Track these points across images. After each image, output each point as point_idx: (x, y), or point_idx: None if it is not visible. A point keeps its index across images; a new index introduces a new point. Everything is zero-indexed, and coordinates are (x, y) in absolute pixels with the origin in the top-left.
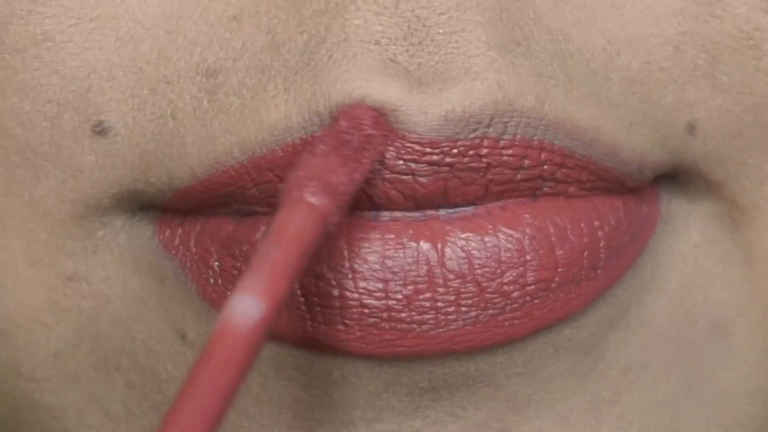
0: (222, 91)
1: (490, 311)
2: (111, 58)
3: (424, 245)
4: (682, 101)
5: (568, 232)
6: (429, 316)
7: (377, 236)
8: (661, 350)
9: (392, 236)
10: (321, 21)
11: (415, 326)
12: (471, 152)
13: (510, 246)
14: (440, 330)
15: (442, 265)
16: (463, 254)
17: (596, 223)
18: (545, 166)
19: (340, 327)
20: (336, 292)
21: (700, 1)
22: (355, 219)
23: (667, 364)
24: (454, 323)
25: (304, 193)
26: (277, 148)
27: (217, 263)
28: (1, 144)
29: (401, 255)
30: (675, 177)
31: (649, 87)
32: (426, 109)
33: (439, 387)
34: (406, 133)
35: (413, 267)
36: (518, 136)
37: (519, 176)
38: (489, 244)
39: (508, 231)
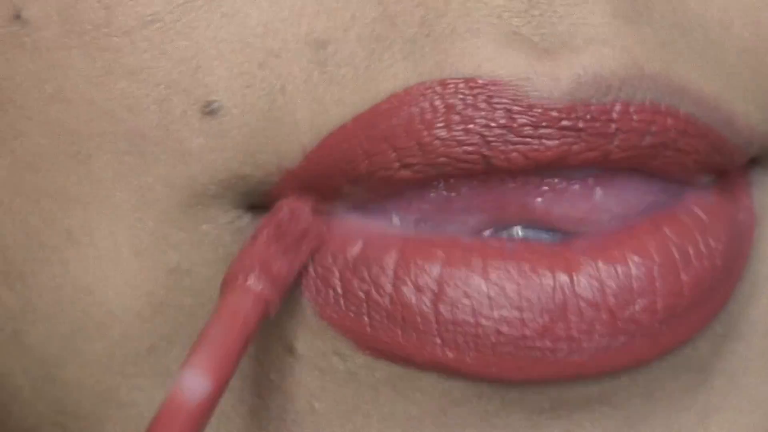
0: (333, 62)
1: (622, 338)
2: (218, 35)
3: (561, 276)
4: None
5: (691, 256)
6: (563, 345)
7: (513, 266)
8: (762, 352)
9: (528, 266)
10: None
11: (549, 354)
12: (603, 117)
13: (640, 274)
14: (573, 357)
15: (577, 295)
16: (597, 284)
17: (713, 244)
18: (671, 133)
19: (473, 353)
20: (471, 319)
21: None
22: (490, 246)
23: (766, 362)
24: (587, 351)
25: (248, 280)
26: (393, 116)
27: (340, 285)
28: (109, 130)
29: (537, 284)
30: (764, 162)
31: (759, 58)
32: (557, 75)
33: (558, 407)
34: (539, 100)
35: (549, 297)
36: (647, 102)
37: (644, 142)
38: (621, 273)
39: (638, 259)
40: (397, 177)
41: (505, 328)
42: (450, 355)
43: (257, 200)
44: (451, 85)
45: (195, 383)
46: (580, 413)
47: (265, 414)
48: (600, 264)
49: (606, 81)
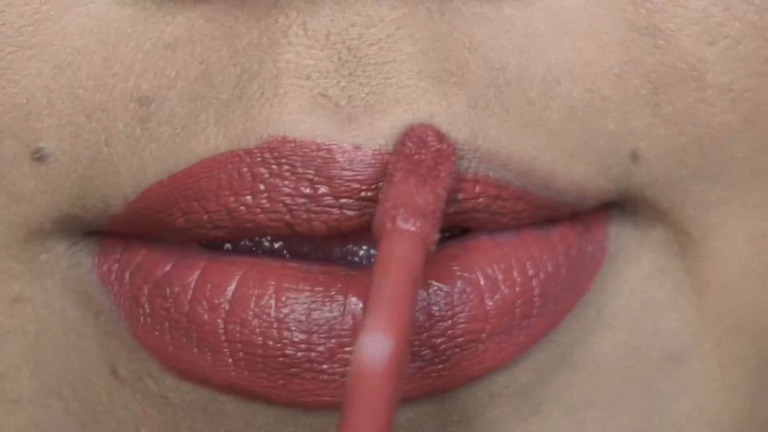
0: (155, 120)
1: (417, 363)
2: (49, 85)
3: (352, 299)
4: (625, 130)
5: (500, 282)
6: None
7: (307, 288)
8: (609, 387)
9: (321, 289)
10: (254, 54)
11: (338, 377)
12: None
13: (439, 299)
14: None
15: None
16: None
17: (531, 272)
18: (480, 199)
19: (263, 374)
20: (260, 340)
21: (644, 31)
22: (287, 267)
23: (615, 399)
24: None
25: (397, 222)
26: (204, 179)
27: (147, 303)
28: None
29: (327, 308)
30: (623, 205)
31: (590, 115)
32: (359, 143)
33: None
34: (340, 171)
35: (338, 320)
36: (453, 171)
37: (451, 209)
38: (418, 298)
39: (438, 284)
40: (211, 235)
41: (291, 351)
42: (243, 376)
43: (92, 230)
44: (257, 154)
45: (378, 346)
46: None
47: None
48: None
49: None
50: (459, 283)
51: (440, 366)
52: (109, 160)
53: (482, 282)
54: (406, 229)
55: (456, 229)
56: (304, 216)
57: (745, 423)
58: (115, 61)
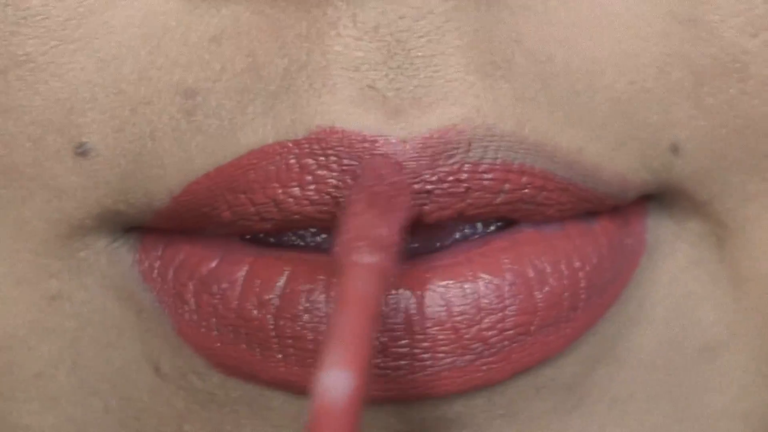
0: (201, 112)
1: (468, 357)
2: (93, 80)
3: (405, 293)
4: (667, 122)
5: (548, 275)
6: (404, 362)
7: None
8: (648, 379)
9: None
10: (302, 46)
11: (390, 372)
12: (450, 178)
13: (489, 292)
14: (416, 375)
15: (421, 313)
16: (442, 302)
17: (577, 264)
18: (526, 190)
19: (313, 370)
20: (310, 336)
21: (686, 23)
22: (322, 265)
23: (654, 391)
24: (430, 368)
25: (356, 256)
26: (251, 171)
27: (193, 299)
28: None
29: (383, 306)
30: (661, 197)
31: (633, 107)
32: (405, 136)
33: (415, 430)
34: (387, 162)
35: (391, 314)
36: (499, 160)
37: (498, 200)
38: (468, 291)
39: (488, 277)
40: (257, 228)
41: None
42: (293, 372)
43: (133, 226)
44: (305, 145)
45: (339, 381)
46: None
47: None
48: (448, 282)
49: (453, 143)
50: (508, 276)
51: (490, 359)
52: (154, 154)
53: (531, 274)
54: (367, 263)
55: (500, 221)
56: None
57: None
58: (159, 55)
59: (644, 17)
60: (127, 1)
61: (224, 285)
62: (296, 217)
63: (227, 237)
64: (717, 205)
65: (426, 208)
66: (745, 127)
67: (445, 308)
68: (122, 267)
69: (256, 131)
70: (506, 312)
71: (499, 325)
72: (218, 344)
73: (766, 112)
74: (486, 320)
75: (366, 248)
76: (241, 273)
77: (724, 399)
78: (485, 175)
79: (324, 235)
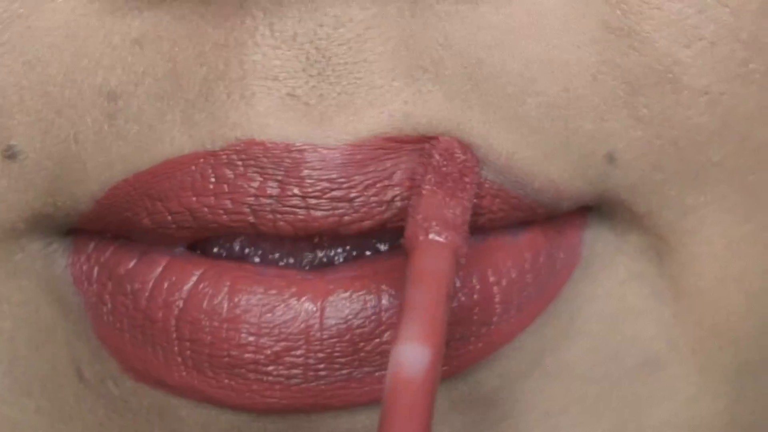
0: (122, 116)
1: (366, 369)
2: (19, 82)
3: (306, 304)
4: (602, 131)
5: (457, 289)
6: (298, 371)
7: (260, 290)
8: (585, 393)
9: (274, 291)
10: (220, 55)
11: (283, 380)
12: (380, 185)
13: (390, 305)
14: (310, 384)
15: (320, 323)
16: (341, 314)
17: (492, 279)
18: None
19: (210, 374)
20: (208, 339)
21: (619, 32)
22: (244, 268)
23: (592, 405)
24: (325, 379)
25: (429, 235)
26: (167, 179)
27: (110, 300)
28: None
29: (280, 310)
30: (600, 209)
31: (567, 114)
32: (330, 143)
33: None
34: (311, 171)
35: (290, 324)
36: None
37: None
38: (369, 305)
39: (392, 291)
40: (177, 236)
41: (236, 352)
42: (193, 377)
43: (67, 230)
44: (222, 156)
45: (415, 355)
46: None
47: None
48: (350, 294)
49: (382, 149)
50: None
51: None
52: (78, 157)
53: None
54: (439, 241)
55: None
56: (269, 217)
57: (725, 429)
58: (83, 56)
59: (578, 25)
60: (51, 4)
61: (137, 285)
62: (213, 225)
63: (153, 243)
64: (656, 218)
65: (346, 218)
66: (681, 139)
67: (344, 320)
68: (56, 270)
69: (174, 140)
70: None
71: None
72: (129, 346)
73: (701, 124)
74: (387, 334)
75: (438, 227)
76: (153, 274)
77: (668, 411)
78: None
79: (251, 248)
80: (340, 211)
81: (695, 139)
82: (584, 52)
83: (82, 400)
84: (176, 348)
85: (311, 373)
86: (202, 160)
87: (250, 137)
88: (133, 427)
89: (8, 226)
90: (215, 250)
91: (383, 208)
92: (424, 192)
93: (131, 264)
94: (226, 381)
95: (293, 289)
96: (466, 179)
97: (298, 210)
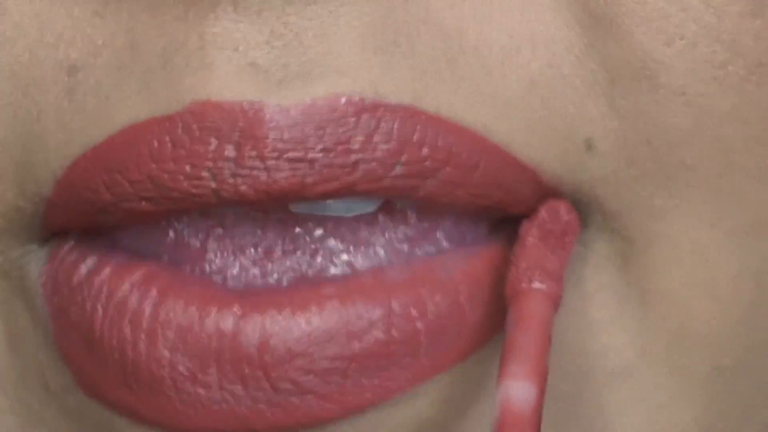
0: (81, 90)
1: (281, 396)
2: None
3: (223, 322)
4: (583, 115)
5: (379, 320)
6: (215, 393)
7: (180, 304)
8: (550, 408)
9: (194, 307)
10: (180, 27)
11: (204, 401)
12: (339, 147)
13: (310, 330)
14: (222, 407)
15: (236, 343)
16: (257, 336)
17: (431, 307)
18: (426, 162)
19: (137, 390)
20: (130, 353)
21: (601, 20)
22: (176, 281)
23: (561, 419)
24: (245, 403)
25: (533, 283)
26: (125, 149)
27: (66, 308)
28: None
29: (198, 327)
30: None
31: (549, 92)
32: (287, 105)
33: None
34: (267, 131)
35: (206, 342)
36: (395, 132)
37: (395, 172)
38: (285, 328)
39: (312, 319)
40: (140, 209)
41: (154, 368)
42: (125, 393)
43: (43, 235)
44: (177, 120)
45: (523, 392)
46: None
47: None
48: (269, 316)
49: (341, 111)
50: (332, 317)
51: (308, 399)
52: (40, 137)
53: (355, 320)
54: (542, 290)
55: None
56: (230, 181)
57: None
58: (47, 31)
59: (567, 4)
60: None
61: (85, 292)
62: (175, 194)
63: (119, 228)
64: (625, 218)
65: (308, 179)
66: (654, 138)
67: (259, 343)
68: (31, 279)
69: (131, 109)
70: (315, 356)
71: (309, 368)
72: (79, 360)
73: (676, 124)
74: (297, 361)
75: (539, 277)
76: (100, 278)
77: (639, 419)
78: (380, 146)
79: (220, 259)
80: (301, 171)
81: (669, 139)
82: (570, 31)
83: (47, 408)
84: (109, 361)
85: (227, 395)
86: (157, 126)
87: (206, 100)
88: None
89: None
90: (187, 267)
91: (348, 169)
92: (527, 243)
93: (84, 272)
94: (152, 399)
95: (215, 305)
96: (567, 239)
97: (258, 172)
